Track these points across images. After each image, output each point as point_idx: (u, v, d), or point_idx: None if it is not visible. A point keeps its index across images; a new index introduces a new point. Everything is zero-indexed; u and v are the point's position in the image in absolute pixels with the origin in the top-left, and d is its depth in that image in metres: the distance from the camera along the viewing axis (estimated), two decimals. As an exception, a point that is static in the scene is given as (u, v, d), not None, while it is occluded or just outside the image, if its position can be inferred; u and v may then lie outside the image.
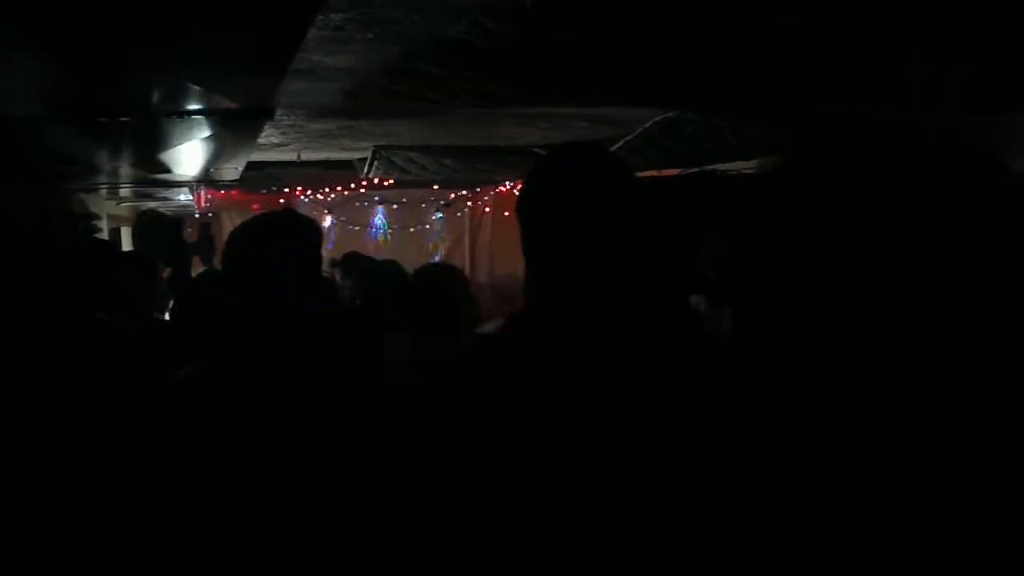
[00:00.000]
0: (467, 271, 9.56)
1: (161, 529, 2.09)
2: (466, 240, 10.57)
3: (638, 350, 1.74)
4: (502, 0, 2.41)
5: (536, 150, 5.93)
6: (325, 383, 2.25)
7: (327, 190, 9.38)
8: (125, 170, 5.21)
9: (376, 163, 6.28)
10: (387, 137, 5.66)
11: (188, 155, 4.39)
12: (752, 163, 6.41)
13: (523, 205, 1.98)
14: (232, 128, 3.29)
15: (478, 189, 9.93)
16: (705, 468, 1.59)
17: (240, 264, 2.24)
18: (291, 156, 6.26)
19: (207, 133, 3.31)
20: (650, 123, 4.73)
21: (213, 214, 9.44)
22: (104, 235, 6.60)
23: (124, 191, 7.03)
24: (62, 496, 2.32)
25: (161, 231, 5.52)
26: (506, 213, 9.78)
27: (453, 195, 10.18)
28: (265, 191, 8.52)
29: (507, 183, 9.15)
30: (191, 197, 7.32)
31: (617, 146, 5.14)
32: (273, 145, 5.58)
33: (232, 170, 5.90)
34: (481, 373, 1.87)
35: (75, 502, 2.30)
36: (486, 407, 1.79)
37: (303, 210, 9.01)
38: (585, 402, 1.69)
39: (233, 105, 2.73)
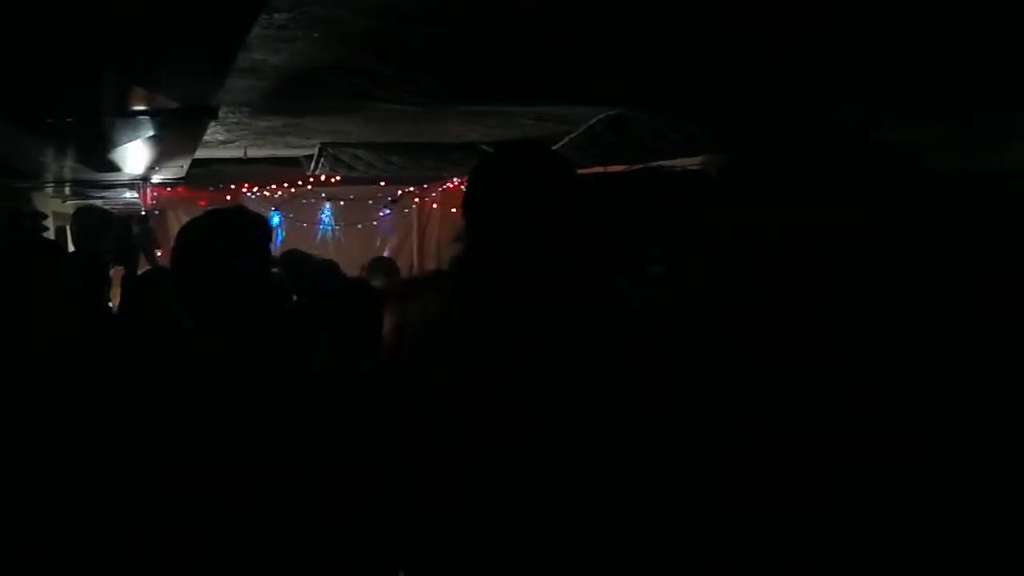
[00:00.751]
0: (415, 267, 9.56)
1: (129, 519, 2.10)
2: (414, 236, 10.56)
3: (569, 343, 1.79)
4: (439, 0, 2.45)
5: (482, 146, 5.96)
6: (282, 374, 2.27)
7: (274, 187, 9.33)
8: (70, 168, 5.17)
9: (322, 160, 6.29)
10: (333, 134, 5.66)
11: (133, 154, 4.37)
12: (696, 160, 6.53)
13: (467, 203, 2.03)
14: (176, 127, 3.28)
15: (425, 186, 9.93)
16: (622, 453, 1.67)
17: (191, 260, 2.25)
18: (237, 153, 6.24)
19: (151, 133, 3.30)
20: (595, 120, 4.77)
21: (159, 211, 9.35)
22: (51, 234, 6.54)
23: (69, 189, 6.97)
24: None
25: (107, 228, 5.46)
26: (453, 209, 9.78)
27: (400, 192, 10.16)
28: (212, 188, 8.47)
29: (454, 179, 9.17)
30: (137, 195, 7.27)
31: (562, 143, 5.18)
32: (219, 142, 5.56)
33: (177, 168, 5.87)
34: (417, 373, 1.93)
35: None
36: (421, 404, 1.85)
37: (250, 206, 8.97)
38: (513, 393, 1.75)
39: (176, 105, 2.74)
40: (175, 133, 3.60)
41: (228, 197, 9.07)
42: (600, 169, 5.97)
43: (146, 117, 2.83)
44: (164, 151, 4.65)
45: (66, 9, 1.71)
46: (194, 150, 5.14)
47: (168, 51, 2.20)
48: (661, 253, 4.87)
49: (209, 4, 1.86)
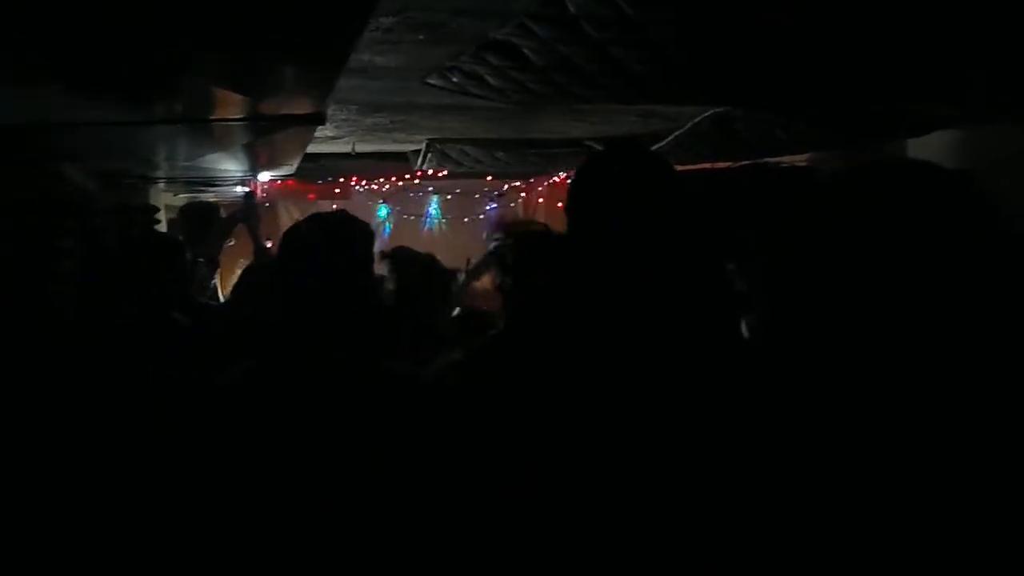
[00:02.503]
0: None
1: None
2: (520, 231, 10.60)
3: (685, 347, 1.77)
4: (546, 3, 2.45)
5: (588, 143, 5.96)
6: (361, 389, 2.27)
7: (382, 180, 9.47)
8: (183, 167, 5.32)
9: (429, 155, 6.35)
10: (440, 131, 5.72)
11: (245, 154, 4.48)
12: (802, 156, 6.43)
13: (571, 205, 2.02)
14: (286, 132, 3.36)
15: (532, 180, 9.96)
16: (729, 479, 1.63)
17: (296, 267, 2.26)
18: (346, 148, 6.34)
19: (263, 136, 3.38)
20: (700, 118, 4.73)
21: (269, 204, 9.56)
22: (162, 226, 6.73)
23: (181, 185, 7.18)
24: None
25: (213, 223, 5.55)
26: (559, 204, 9.78)
27: (507, 186, 10.23)
28: (321, 181, 8.63)
29: (560, 174, 9.18)
30: (248, 189, 7.45)
31: (667, 140, 5.15)
32: (328, 138, 5.66)
33: (288, 166, 5.99)
34: (510, 375, 1.93)
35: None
36: (518, 410, 1.84)
37: (358, 199, 9.13)
38: (631, 404, 1.74)
39: (288, 112, 2.80)
40: (286, 136, 3.68)
41: (337, 190, 9.22)
42: (706, 165, 5.92)
43: (258, 123, 2.91)
44: (275, 153, 4.75)
45: (186, 26, 1.76)
46: (303, 151, 5.25)
47: (280, 60, 2.24)
48: (766, 249, 4.82)
49: (323, 11, 1.89)
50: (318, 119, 3.03)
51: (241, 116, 2.76)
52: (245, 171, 6.28)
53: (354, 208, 8.89)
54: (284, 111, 2.81)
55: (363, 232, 2.33)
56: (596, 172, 2.09)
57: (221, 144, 3.62)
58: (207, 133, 3.10)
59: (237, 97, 2.43)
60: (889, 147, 5.89)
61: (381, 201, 10.05)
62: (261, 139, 3.61)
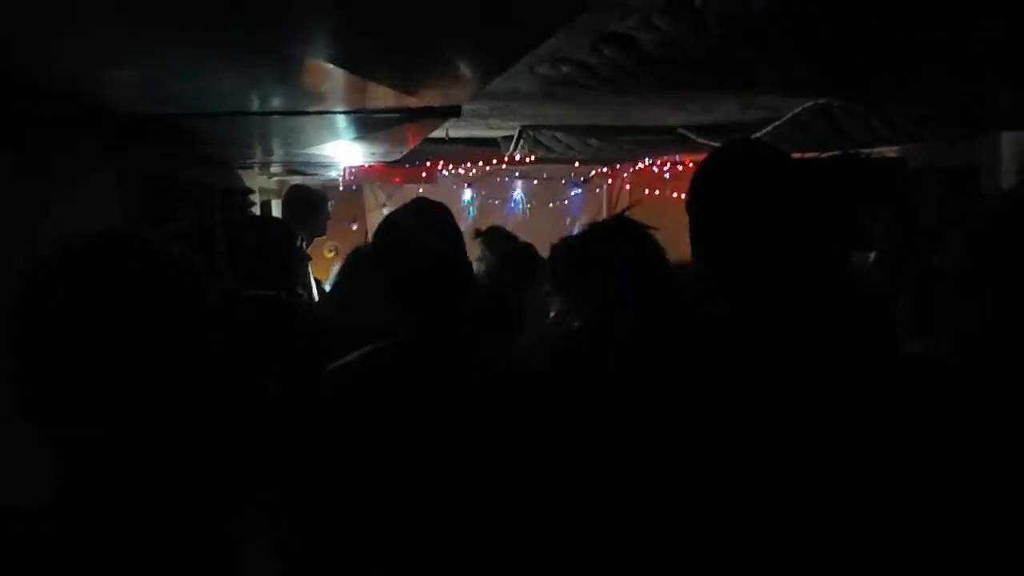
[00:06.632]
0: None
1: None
2: (603, 216, 10.60)
3: (821, 346, 1.79)
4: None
5: (681, 131, 5.95)
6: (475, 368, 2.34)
7: (468, 165, 9.53)
8: (284, 152, 5.39)
9: (522, 142, 6.37)
10: (535, 117, 5.73)
11: (359, 141, 4.53)
12: (894, 148, 6.36)
13: (696, 202, 2.04)
14: (419, 123, 3.40)
15: (618, 166, 9.95)
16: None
17: (399, 257, 2.33)
18: (440, 134, 6.40)
19: (394, 128, 3.43)
20: (800, 108, 4.71)
21: (356, 187, 9.68)
22: (256, 209, 6.86)
23: (276, 168, 7.30)
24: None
25: (319, 207, 5.65)
26: (645, 191, 9.78)
27: (593, 172, 10.23)
28: (408, 165, 8.71)
29: (646, 159, 9.17)
30: (340, 172, 7.55)
31: (766, 130, 5.14)
32: (426, 124, 5.71)
33: (396, 152, 6.02)
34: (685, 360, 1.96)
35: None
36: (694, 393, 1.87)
37: (444, 184, 9.20)
38: (784, 397, 1.76)
39: (428, 104, 2.84)
40: (414, 126, 3.73)
41: (424, 174, 9.29)
42: (798, 155, 5.89)
43: (400, 115, 2.95)
44: (391, 140, 4.79)
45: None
46: (422, 139, 5.28)
47: (452, 59, 2.26)
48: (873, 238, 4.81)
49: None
50: (455, 111, 3.06)
51: (385, 108, 2.81)
52: (348, 157, 6.35)
53: (439, 192, 9.00)
54: (426, 103, 2.85)
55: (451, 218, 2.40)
56: (722, 168, 2.10)
57: (347, 133, 3.68)
58: (336, 122, 3.15)
59: (387, 90, 2.47)
60: (981, 139, 5.83)
61: (467, 185, 10.12)
62: (386, 130, 3.66)
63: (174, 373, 1.19)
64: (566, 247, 3.55)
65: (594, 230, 2.92)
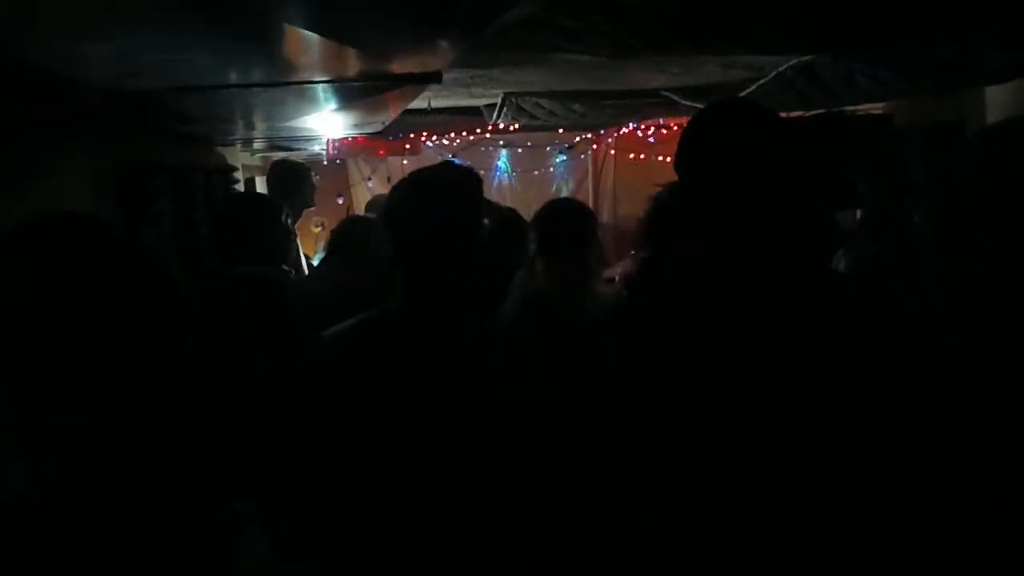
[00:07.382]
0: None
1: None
2: (589, 181, 10.60)
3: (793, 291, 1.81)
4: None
5: (665, 93, 5.91)
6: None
7: (452, 135, 9.49)
8: (266, 127, 5.34)
9: (505, 109, 6.33)
10: (518, 84, 5.70)
11: (339, 113, 4.49)
12: (879, 105, 6.34)
13: (683, 160, 2.03)
14: (400, 91, 3.36)
15: (602, 131, 9.92)
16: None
17: (415, 221, 2.30)
18: (422, 104, 6.35)
19: (371, 96, 3.38)
20: (785, 67, 4.67)
21: (340, 160, 9.64)
22: (240, 186, 6.81)
23: (259, 144, 7.24)
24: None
25: (304, 180, 5.60)
26: (630, 155, 9.76)
27: (578, 138, 10.20)
28: (391, 137, 8.66)
29: (630, 124, 9.15)
30: (323, 146, 7.50)
31: (751, 89, 5.10)
32: (406, 94, 5.67)
33: (377, 124, 5.96)
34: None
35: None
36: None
37: (428, 155, 9.15)
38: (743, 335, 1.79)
39: (405, 71, 2.79)
40: (392, 95, 3.68)
41: (407, 146, 9.24)
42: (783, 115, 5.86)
43: (377, 83, 2.90)
44: (368, 111, 4.75)
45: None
46: (402, 108, 5.24)
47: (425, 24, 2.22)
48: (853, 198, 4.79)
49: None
50: (436, 78, 3.01)
51: (359, 75, 2.76)
52: (329, 129, 6.30)
53: (424, 163, 8.92)
54: (403, 70, 2.81)
55: (475, 180, 2.37)
56: (708, 125, 2.09)
57: (327, 103, 3.63)
58: (316, 92, 3.11)
59: (366, 57, 2.43)
60: (966, 95, 5.81)
61: (451, 156, 10.09)
62: (366, 99, 3.61)
63: (136, 353, 1.17)
64: (552, 208, 3.67)
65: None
